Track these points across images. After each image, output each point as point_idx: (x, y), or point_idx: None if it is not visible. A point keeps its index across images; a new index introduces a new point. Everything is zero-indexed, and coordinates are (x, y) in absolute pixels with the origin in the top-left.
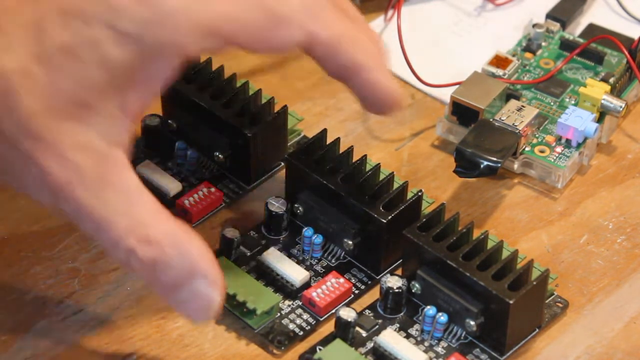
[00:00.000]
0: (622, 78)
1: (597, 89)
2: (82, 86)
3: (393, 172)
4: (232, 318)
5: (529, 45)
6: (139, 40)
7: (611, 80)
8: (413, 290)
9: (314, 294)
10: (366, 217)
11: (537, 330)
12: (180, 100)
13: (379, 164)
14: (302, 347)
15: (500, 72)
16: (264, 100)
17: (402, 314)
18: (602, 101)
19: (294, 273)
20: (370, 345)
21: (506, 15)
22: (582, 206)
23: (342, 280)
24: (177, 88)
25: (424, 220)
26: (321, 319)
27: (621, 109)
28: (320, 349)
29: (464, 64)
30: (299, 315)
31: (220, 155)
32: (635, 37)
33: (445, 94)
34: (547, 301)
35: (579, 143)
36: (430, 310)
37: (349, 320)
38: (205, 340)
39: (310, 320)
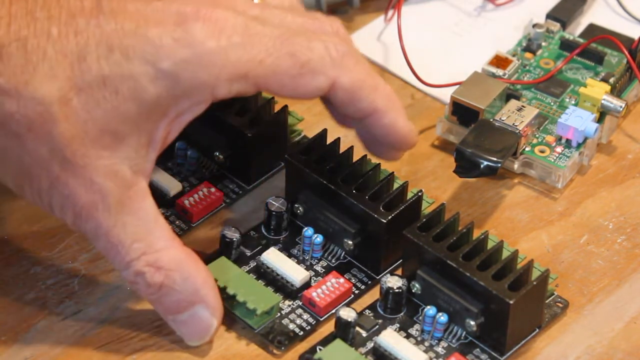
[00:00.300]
0: (622, 78)
1: (597, 89)
2: (115, 117)
3: (393, 172)
4: (232, 318)
5: (529, 45)
6: (174, 79)
7: (611, 80)
8: (413, 290)
9: (314, 294)
10: (366, 217)
11: (537, 330)
12: None
13: (379, 164)
14: (302, 347)
15: (500, 72)
16: (264, 100)
17: (402, 314)
18: (602, 101)
19: (294, 273)
20: (370, 345)
21: (506, 15)
22: (582, 206)
23: (342, 280)
24: None
25: (424, 220)
26: (321, 319)
27: (621, 109)
28: (320, 349)
29: (464, 64)
30: (299, 315)
31: (220, 155)
32: (635, 37)
33: (445, 94)
34: (547, 301)
35: (579, 143)
36: (430, 310)
37: (349, 320)
38: None
39: (311, 320)
